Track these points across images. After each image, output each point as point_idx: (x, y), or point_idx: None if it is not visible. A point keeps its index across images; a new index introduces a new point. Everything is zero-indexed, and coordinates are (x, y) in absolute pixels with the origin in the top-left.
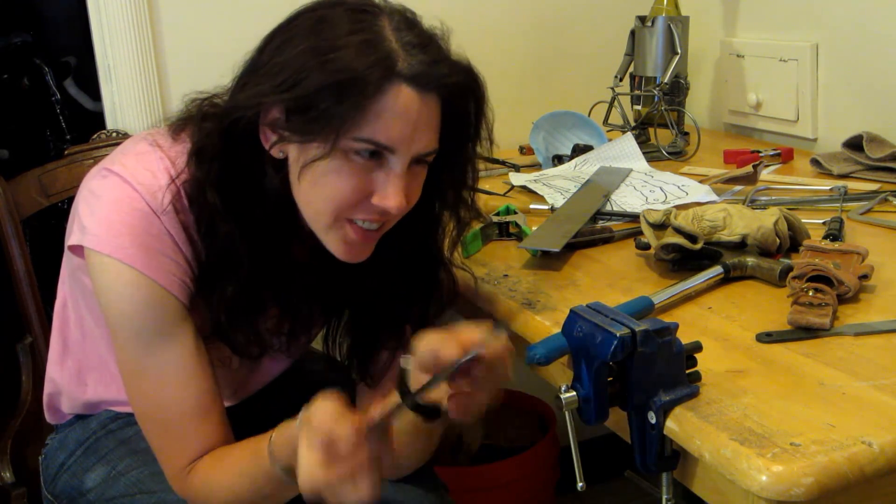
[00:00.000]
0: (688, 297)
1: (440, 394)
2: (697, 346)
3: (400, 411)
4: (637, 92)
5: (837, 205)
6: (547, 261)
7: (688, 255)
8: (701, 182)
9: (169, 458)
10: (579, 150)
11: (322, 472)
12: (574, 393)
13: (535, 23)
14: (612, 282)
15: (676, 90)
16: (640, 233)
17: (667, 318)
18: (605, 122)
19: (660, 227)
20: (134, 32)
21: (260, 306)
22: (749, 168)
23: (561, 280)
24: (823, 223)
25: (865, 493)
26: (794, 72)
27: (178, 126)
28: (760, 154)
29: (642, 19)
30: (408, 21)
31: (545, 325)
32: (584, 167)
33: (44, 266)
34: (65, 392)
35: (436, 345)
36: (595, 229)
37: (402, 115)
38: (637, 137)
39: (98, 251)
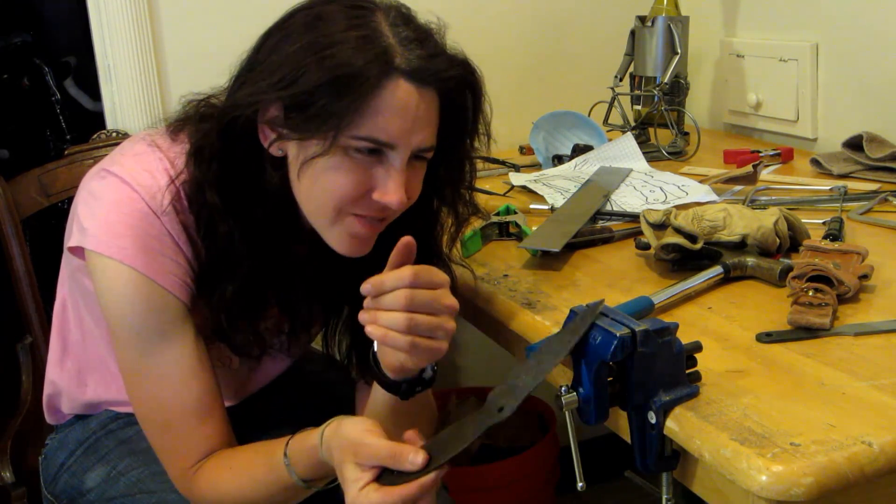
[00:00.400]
0: (688, 297)
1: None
2: (697, 346)
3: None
4: (637, 92)
5: (837, 205)
6: (547, 261)
7: (688, 255)
8: (701, 182)
9: (172, 458)
10: (579, 150)
11: None
12: (574, 393)
13: (534, 23)
14: (612, 282)
15: (676, 90)
16: (640, 233)
17: (667, 318)
18: (605, 122)
19: (660, 227)
20: (134, 32)
21: (260, 306)
22: (749, 168)
23: (561, 280)
24: (823, 223)
25: (865, 493)
26: (794, 72)
27: (177, 127)
28: (760, 154)
29: (642, 19)
30: (404, 16)
31: (545, 325)
32: (584, 167)
33: (44, 266)
34: (65, 392)
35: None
36: (595, 229)
37: (401, 110)
38: (637, 137)
39: (98, 252)
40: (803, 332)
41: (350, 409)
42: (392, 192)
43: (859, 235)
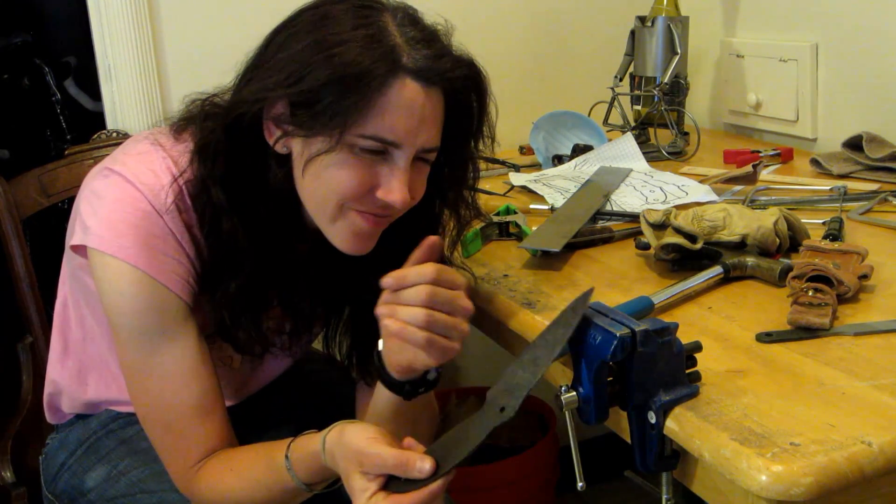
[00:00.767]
0: (688, 297)
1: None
2: (697, 346)
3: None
4: (637, 92)
5: (837, 205)
6: (547, 261)
7: (688, 255)
8: (701, 182)
9: (173, 457)
10: (579, 150)
11: None
12: (574, 393)
13: (535, 23)
14: (612, 282)
15: (676, 90)
16: (640, 233)
17: (667, 318)
18: (605, 122)
19: (660, 227)
20: (134, 32)
21: (263, 303)
22: (749, 168)
23: (561, 280)
24: (823, 223)
25: (865, 492)
26: (794, 72)
27: (180, 126)
28: (760, 154)
29: (642, 19)
30: (411, 17)
31: (545, 325)
32: (584, 167)
33: (44, 266)
34: (65, 392)
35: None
36: (595, 229)
37: (407, 108)
38: (637, 137)
39: (101, 251)
40: (803, 332)
41: (351, 409)
42: (396, 190)
43: (859, 235)
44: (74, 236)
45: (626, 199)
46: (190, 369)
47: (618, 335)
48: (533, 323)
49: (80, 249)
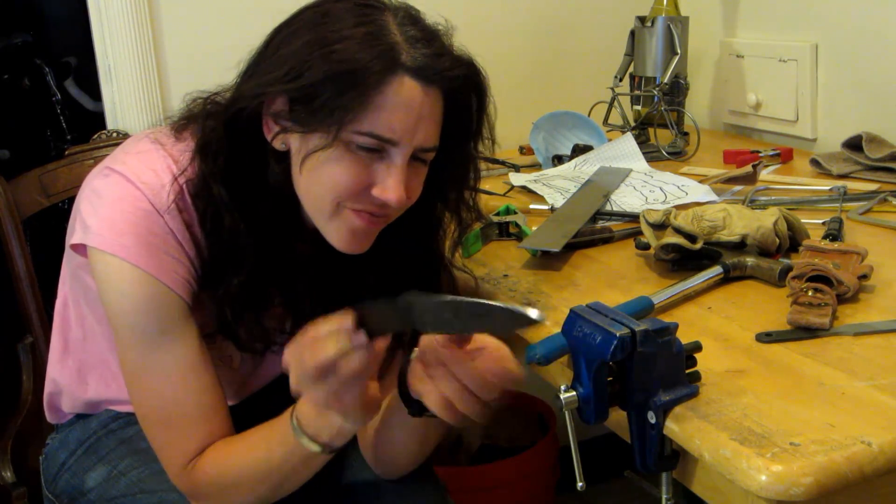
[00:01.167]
0: (687, 297)
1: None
2: (697, 346)
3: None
4: (637, 92)
5: (837, 205)
6: (547, 261)
7: (687, 255)
8: (701, 182)
9: (171, 455)
10: (579, 150)
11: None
12: (574, 393)
13: (535, 23)
14: (612, 282)
15: (676, 90)
16: (640, 233)
17: (667, 318)
18: (605, 122)
19: (659, 227)
20: (134, 32)
21: (264, 301)
22: (748, 168)
23: (561, 280)
24: (823, 223)
25: (865, 492)
26: (794, 72)
27: (181, 125)
28: (760, 154)
29: (642, 20)
30: (412, 16)
31: (545, 325)
32: (583, 167)
33: (44, 266)
34: (65, 391)
35: (441, 343)
36: (595, 229)
37: (405, 106)
38: (637, 137)
39: (101, 250)
40: (803, 332)
41: None
42: (392, 188)
43: (859, 235)
44: (75, 235)
45: (626, 199)
46: (190, 367)
47: (618, 335)
48: None
49: (81, 249)
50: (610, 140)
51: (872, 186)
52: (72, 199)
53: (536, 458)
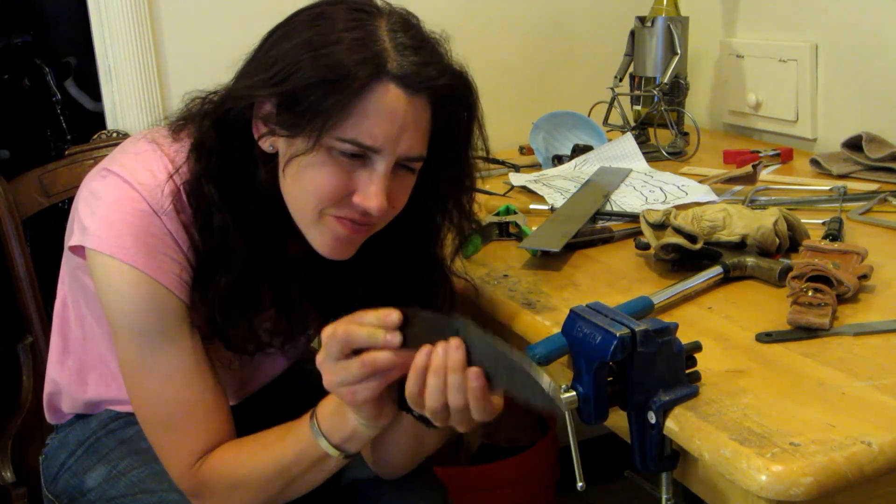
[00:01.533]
0: (687, 297)
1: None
2: (697, 346)
3: None
4: (637, 92)
5: (837, 205)
6: (547, 261)
7: (687, 255)
8: (701, 182)
9: (174, 455)
10: (579, 150)
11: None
12: (574, 393)
13: (535, 23)
14: (612, 282)
15: (676, 90)
16: (640, 233)
17: (667, 318)
18: (605, 122)
19: (659, 227)
20: (134, 32)
21: (255, 302)
22: (748, 168)
23: (561, 280)
24: (823, 223)
25: (865, 492)
26: (794, 72)
27: (179, 125)
28: (760, 154)
29: (642, 20)
30: (405, 23)
31: (545, 325)
32: (583, 167)
33: (44, 266)
34: (65, 392)
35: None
36: (595, 229)
37: (388, 114)
38: (637, 138)
39: (100, 251)
40: (803, 332)
41: None
42: (372, 196)
43: (859, 235)
44: (73, 237)
45: (626, 200)
46: (191, 367)
47: (618, 335)
48: (533, 323)
49: (79, 250)
50: (610, 140)
51: (872, 186)
52: (72, 199)
53: (536, 458)
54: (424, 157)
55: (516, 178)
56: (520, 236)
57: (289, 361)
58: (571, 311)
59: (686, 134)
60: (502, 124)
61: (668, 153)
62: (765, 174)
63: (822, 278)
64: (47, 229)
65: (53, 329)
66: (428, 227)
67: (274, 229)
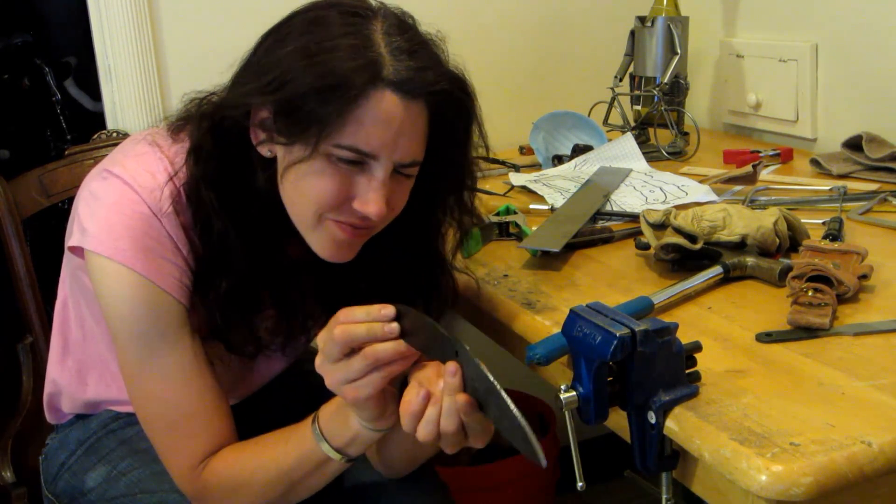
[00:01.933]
0: (688, 297)
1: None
2: (697, 346)
3: None
4: (637, 92)
5: (837, 205)
6: (547, 261)
7: (687, 255)
8: (701, 182)
9: (176, 457)
10: (579, 150)
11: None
12: (574, 393)
13: (535, 23)
14: (612, 282)
15: (676, 90)
16: (640, 233)
17: (667, 318)
18: (605, 122)
19: (660, 227)
20: (134, 32)
21: (255, 304)
22: (748, 168)
23: (561, 280)
24: (823, 223)
25: (865, 492)
26: (794, 72)
27: (178, 125)
28: (760, 154)
29: (642, 20)
30: (401, 26)
31: (545, 325)
32: (584, 167)
33: (44, 266)
34: (65, 392)
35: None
36: (595, 229)
37: (385, 121)
38: (637, 137)
39: (98, 253)
40: (803, 332)
41: None
42: (372, 202)
43: (859, 235)
44: (72, 237)
45: (626, 199)
46: (190, 370)
47: (618, 335)
48: (533, 323)
49: (78, 251)
50: (610, 140)
51: (872, 186)
52: (72, 199)
53: None
54: (421, 161)
55: (516, 178)
56: (520, 236)
57: (288, 361)
58: (571, 311)
59: (686, 134)
60: (502, 124)
61: (668, 153)
62: (765, 174)
63: (822, 278)
64: (47, 229)
65: (54, 329)
66: (429, 225)
67: (273, 232)
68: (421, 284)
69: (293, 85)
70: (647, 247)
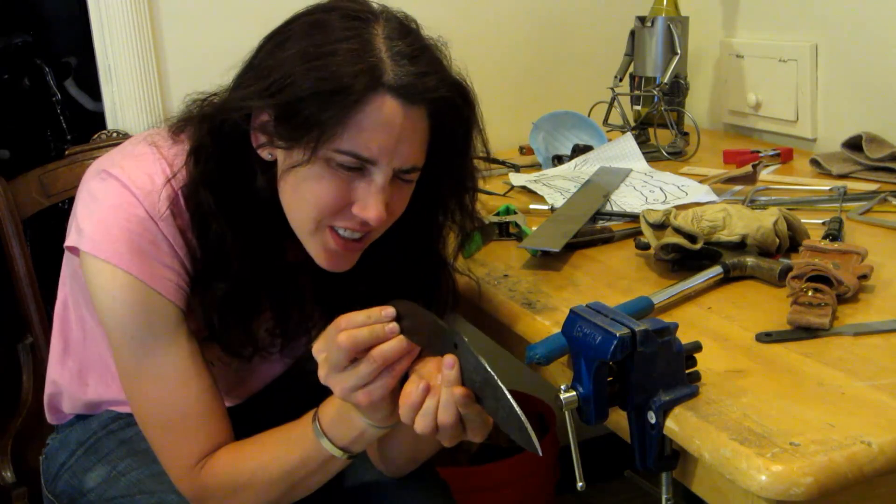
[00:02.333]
0: (687, 297)
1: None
2: (697, 346)
3: None
4: (637, 92)
5: (837, 205)
6: (547, 261)
7: (687, 255)
8: (701, 182)
9: (174, 457)
10: (579, 150)
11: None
12: (574, 393)
13: (535, 23)
14: (612, 282)
15: (676, 90)
16: (640, 233)
17: (667, 318)
18: (605, 122)
19: (659, 227)
20: (134, 32)
21: (253, 307)
22: (748, 168)
23: (561, 280)
24: (823, 223)
25: (864, 492)
26: (794, 72)
27: (179, 127)
28: (760, 154)
29: (642, 20)
30: (402, 30)
31: (545, 325)
32: (584, 167)
33: (44, 266)
34: (66, 392)
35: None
36: (595, 229)
37: (385, 126)
38: (637, 137)
39: (93, 255)
40: (803, 332)
41: None
42: (371, 207)
43: (859, 235)
44: (69, 237)
45: (626, 199)
46: (187, 371)
47: (618, 335)
48: (533, 323)
49: (76, 250)
50: (610, 140)
51: (872, 186)
52: (72, 199)
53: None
54: (421, 167)
55: (516, 178)
56: (520, 236)
57: (288, 363)
58: (571, 311)
59: (686, 134)
60: (502, 124)
61: (668, 153)
62: (765, 174)
63: (822, 278)
64: (47, 229)
65: (54, 330)
66: (430, 227)
67: (272, 236)
68: (421, 287)
69: (293, 89)
70: (647, 247)
